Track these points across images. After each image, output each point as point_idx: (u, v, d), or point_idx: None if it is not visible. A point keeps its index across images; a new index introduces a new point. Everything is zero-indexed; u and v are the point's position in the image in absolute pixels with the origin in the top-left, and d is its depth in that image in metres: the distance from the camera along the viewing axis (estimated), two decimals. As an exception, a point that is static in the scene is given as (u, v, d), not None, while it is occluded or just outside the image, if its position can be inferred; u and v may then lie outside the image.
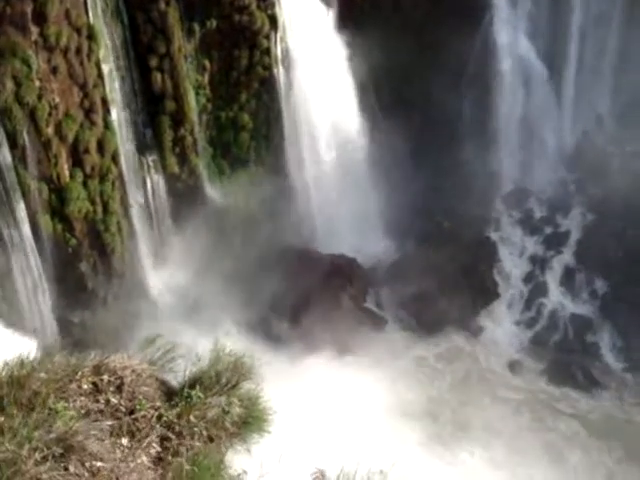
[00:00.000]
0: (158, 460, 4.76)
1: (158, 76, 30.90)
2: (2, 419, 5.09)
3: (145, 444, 4.80)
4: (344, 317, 34.48)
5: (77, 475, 3.99)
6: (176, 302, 32.68)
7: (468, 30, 34.85)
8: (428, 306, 35.12)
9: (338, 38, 34.67)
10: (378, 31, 34.09)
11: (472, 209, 37.30)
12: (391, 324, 35.93)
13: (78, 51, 27.99)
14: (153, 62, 30.60)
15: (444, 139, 36.73)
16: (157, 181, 32.79)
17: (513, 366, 34.59)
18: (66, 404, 5.33)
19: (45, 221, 28.83)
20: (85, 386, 5.60)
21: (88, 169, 29.49)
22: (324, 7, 34.49)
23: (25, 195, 27.75)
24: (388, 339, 34.88)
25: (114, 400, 5.51)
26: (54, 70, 27.48)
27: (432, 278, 34.74)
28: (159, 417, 5.46)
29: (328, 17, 34.53)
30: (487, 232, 38.45)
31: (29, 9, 25.98)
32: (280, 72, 33.68)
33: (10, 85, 25.95)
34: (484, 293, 36.40)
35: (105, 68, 29.14)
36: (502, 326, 36.01)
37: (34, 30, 26.36)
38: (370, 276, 36.81)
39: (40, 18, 26.37)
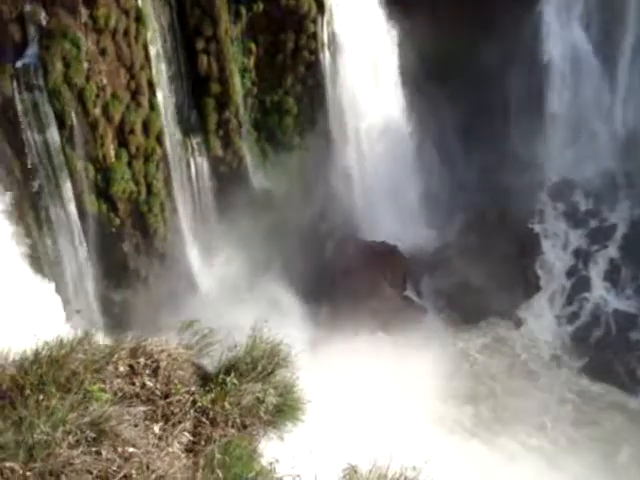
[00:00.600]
0: (190, 448, 4.77)
1: (204, 59, 31.00)
2: (41, 397, 5.15)
3: (177, 431, 4.81)
4: (384, 305, 34.36)
5: (109, 460, 4.01)
6: (217, 284, 32.92)
7: (520, 14, 34.12)
8: (469, 296, 34.78)
9: (385, 23, 34.32)
10: (426, 15, 33.63)
11: (517, 200, 36.74)
12: (431, 313, 35.70)
13: (126, 33, 28.22)
14: (200, 45, 30.70)
15: (491, 127, 36.15)
16: (201, 163, 33.00)
17: (554, 360, 34.12)
18: (102, 386, 5.37)
19: (90, 201, 29.26)
20: (122, 368, 5.63)
21: (133, 150, 29.81)
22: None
23: (72, 175, 28.18)
24: (428, 328, 34.67)
25: (149, 383, 5.53)
26: (102, 52, 27.77)
27: (473, 268, 34.37)
28: (193, 402, 5.47)
29: (376, 3, 34.18)
30: (531, 223, 37.87)
31: (79, -9, 26.27)
32: (326, 57, 33.52)
33: (59, 66, 26.29)
34: (526, 285, 35.91)
35: (152, 50, 29.34)
36: (543, 320, 35.51)
37: (84, 12, 26.64)
38: (411, 264, 36.58)
39: (90, 0, 26.63)
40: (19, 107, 26.17)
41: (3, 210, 26.30)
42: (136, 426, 4.40)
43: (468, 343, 34.49)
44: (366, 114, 35.43)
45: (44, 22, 25.85)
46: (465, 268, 34.72)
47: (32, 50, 25.95)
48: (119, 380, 5.55)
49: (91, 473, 3.94)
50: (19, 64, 25.80)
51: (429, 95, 34.61)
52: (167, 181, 31.58)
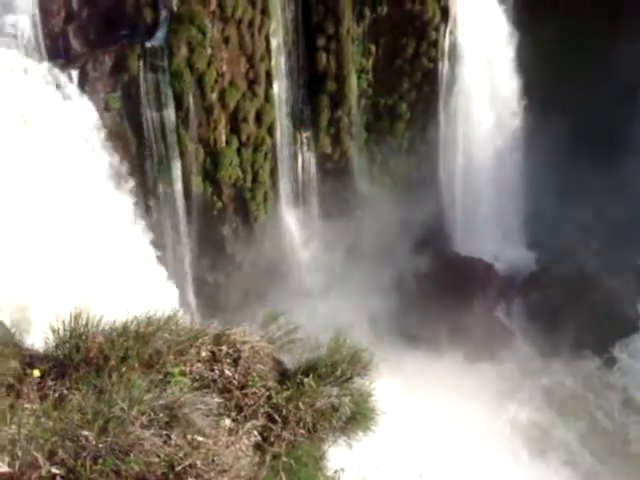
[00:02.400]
0: (258, 444, 4.78)
1: (323, 56, 31.24)
2: (124, 369, 5.30)
3: (248, 426, 4.84)
4: (473, 323, 33.70)
5: (177, 446, 4.07)
6: (311, 278, 33.16)
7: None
8: (561, 325, 33.63)
9: (509, 37, 33.60)
10: (552, 33, 32.72)
11: (628, 233, 35.15)
12: (519, 338, 34.75)
13: (251, 24, 28.78)
14: (320, 41, 30.96)
15: (607, 152, 34.69)
16: (308, 158, 33.31)
17: (645, 404, 32.57)
18: (183, 368, 5.47)
19: (197, 182, 30.04)
20: (204, 353, 5.71)
21: (244, 137, 30.39)
22: (498, 5, 33.50)
23: (182, 155, 29.02)
24: (515, 353, 33.75)
25: (228, 372, 5.59)
26: (226, 40, 28.43)
27: (570, 297, 33.21)
28: (268, 397, 5.49)
29: (501, 15, 33.51)
30: (639, 260, 36.19)
31: (213, -18, 27.04)
32: (445, 66, 33.15)
33: (184, 50, 27.13)
34: (624, 324, 34.34)
35: (273, 42, 29.81)
36: (638, 361, 33.89)
37: (214, 1, 27.38)
38: (505, 285, 35.71)
39: (220, -9, 27.37)
40: (142, 86, 27.16)
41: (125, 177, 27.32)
42: (208, 416, 4.45)
43: (555, 375, 33.26)
44: (479, 126, 34.83)
45: (175, 7, 26.74)
46: (561, 296, 33.59)
47: (161, 33, 26.89)
48: (199, 365, 5.63)
49: (158, 456, 4.01)
50: (148, 45, 26.78)
51: (545, 111, 33.65)
52: (273, 172, 32.04)
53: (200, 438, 4.14)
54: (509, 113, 35.02)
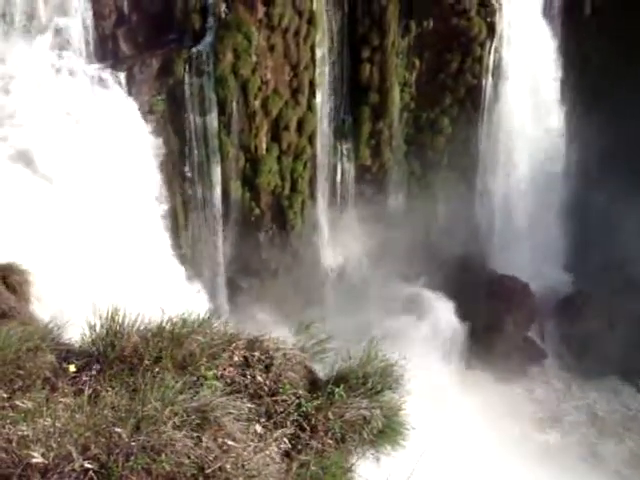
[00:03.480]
0: (286, 454, 4.80)
1: (367, 67, 31.32)
2: (157, 370, 5.36)
3: (278, 434, 4.86)
4: (504, 341, 33.35)
5: (208, 449, 4.10)
6: (345, 290, 33.13)
7: None
8: (594, 350, 33.11)
9: (555, 58, 33.32)
10: (600, 55, 32.35)
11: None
12: (550, 359, 34.30)
13: (297, 33, 29.00)
14: (365, 53, 31.05)
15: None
16: (348, 169, 33.37)
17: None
18: (216, 371, 5.52)
19: (236, 187, 30.28)
20: (236, 358, 5.75)
21: (284, 146, 30.57)
22: (546, 24, 33.26)
23: (223, 160, 29.29)
24: (545, 374, 33.31)
25: (260, 378, 5.62)
26: (271, 48, 28.68)
27: (604, 322, 32.67)
28: (298, 405, 5.50)
29: (548, 34, 33.26)
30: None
31: (261, -10, 27.35)
32: (489, 83, 32.98)
33: (230, 56, 27.44)
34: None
35: (318, 52, 29.98)
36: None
37: (261, 9, 27.67)
38: (538, 305, 35.27)
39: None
40: (187, 90, 27.52)
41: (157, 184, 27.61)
42: (239, 421, 4.48)
43: (585, 400, 32.70)
44: (521, 145, 34.55)
45: (223, 14, 27.07)
46: (595, 320, 33.06)
47: (208, 39, 27.25)
48: (232, 369, 5.68)
49: (189, 458, 4.05)
50: (194, 50, 27.14)
51: (591, 132, 33.21)
52: (312, 181, 32.15)
53: (230, 442, 4.17)
54: (553, 132, 34.68)
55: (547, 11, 33.38)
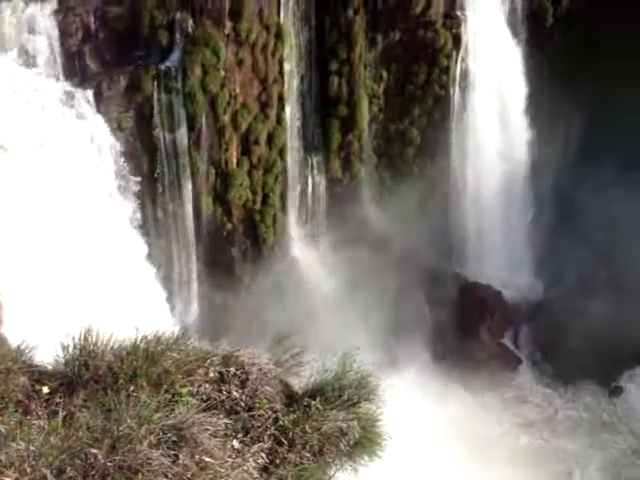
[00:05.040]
0: (264, 469, 4.78)
1: (335, 80, 31.48)
2: (132, 388, 5.32)
3: (255, 449, 4.84)
4: (478, 349, 33.57)
5: (185, 466, 4.07)
6: (319, 301, 33.08)
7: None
8: (567, 355, 33.43)
9: (520, 64, 33.78)
10: (565, 63, 32.83)
11: (635, 261, 34.89)
12: (525, 365, 34.57)
13: (264, 47, 29.07)
14: (333, 66, 31.21)
15: (628, 180, 33.94)
16: (319, 182, 33.44)
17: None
18: (191, 388, 5.49)
19: (207, 203, 30.18)
20: (212, 374, 5.73)
21: (255, 160, 30.56)
22: (509, 33, 33.73)
23: (194, 176, 29.19)
24: (520, 380, 33.55)
25: (236, 394, 5.59)
26: (239, 63, 28.71)
27: (577, 327, 32.97)
28: (275, 420, 5.49)
29: (513, 44, 33.73)
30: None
31: (227, 5, 27.36)
32: (456, 92, 33.33)
33: (198, 72, 27.41)
34: (632, 354, 34.07)
35: (287, 66, 30.08)
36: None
37: (228, 24, 27.71)
38: (512, 312, 35.57)
39: (235, 14, 27.68)
40: (155, 107, 27.40)
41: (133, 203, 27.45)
42: (215, 437, 4.46)
43: (558, 404, 32.93)
44: (489, 153, 34.91)
45: (190, 30, 27.05)
46: (568, 325, 33.37)
47: (175, 55, 27.19)
48: (207, 385, 5.65)
49: (166, 476, 4.01)
50: (162, 67, 27.06)
51: (556, 141, 33.67)
52: (283, 194, 32.16)
53: (207, 459, 4.14)
54: (518, 142, 35.09)
55: (511, 20, 33.84)
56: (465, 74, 33.16)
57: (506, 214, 35.87)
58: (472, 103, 33.62)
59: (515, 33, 33.96)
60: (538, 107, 34.12)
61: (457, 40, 32.43)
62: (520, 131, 34.96)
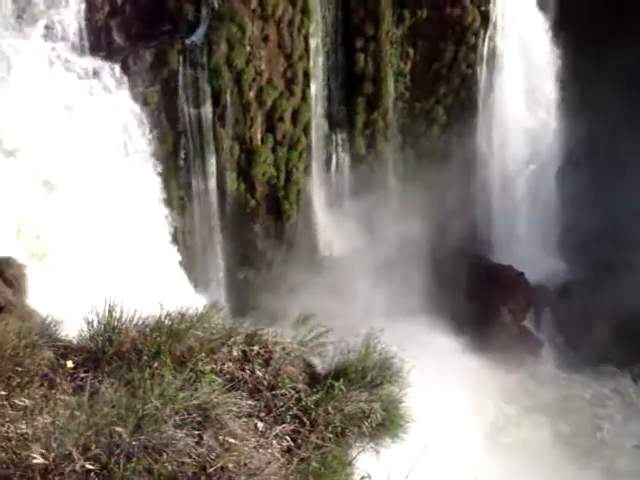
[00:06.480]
0: (288, 450, 4.78)
1: (361, 57, 31.20)
2: (156, 365, 5.34)
3: (279, 429, 4.84)
4: (500, 331, 33.41)
5: (209, 447, 4.07)
6: (341, 280, 33.02)
7: None
8: (590, 339, 33.17)
9: (550, 46, 33.24)
10: (596, 44, 32.23)
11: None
12: (547, 348, 34.38)
13: (290, 23, 28.86)
14: (359, 43, 30.93)
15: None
16: (343, 159, 33.31)
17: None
18: (214, 366, 5.50)
19: (231, 179, 30.19)
20: (235, 353, 5.74)
21: (279, 136, 30.48)
22: (540, 12, 33.18)
23: (218, 151, 29.19)
24: (541, 363, 33.39)
25: (259, 373, 5.61)
26: (265, 38, 28.54)
27: (601, 311, 32.69)
28: (298, 400, 5.49)
29: (543, 23, 33.19)
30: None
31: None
32: (483, 72, 32.91)
33: (223, 47, 27.29)
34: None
35: (312, 43, 29.85)
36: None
37: (254, 0, 27.53)
38: (534, 294, 35.32)
39: (262, -11, 27.51)
40: (180, 81, 27.37)
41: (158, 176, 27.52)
42: (240, 418, 4.46)
43: (580, 389, 32.70)
44: (516, 134, 34.51)
45: (217, 5, 26.93)
46: (592, 309, 33.10)
47: (201, 30, 27.09)
48: (230, 364, 5.66)
49: (190, 457, 4.02)
50: (188, 41, 26.99)
51: (586, 125, 33.13)
52: (307, 171, 32.08)
53: (232, 440, 4.14)
54: (547, 123, 34.65)
55: (543, 2, 33.28)
56: (493, 53, 32.73)
57: (533, 194, 35.53)
58: (499, 83, 33.20)
59: (545, 12, 33.40)
60: (567, 87, 33.65)
61: (485, 18, 31.97)
62: (549, 111, 34.51)
